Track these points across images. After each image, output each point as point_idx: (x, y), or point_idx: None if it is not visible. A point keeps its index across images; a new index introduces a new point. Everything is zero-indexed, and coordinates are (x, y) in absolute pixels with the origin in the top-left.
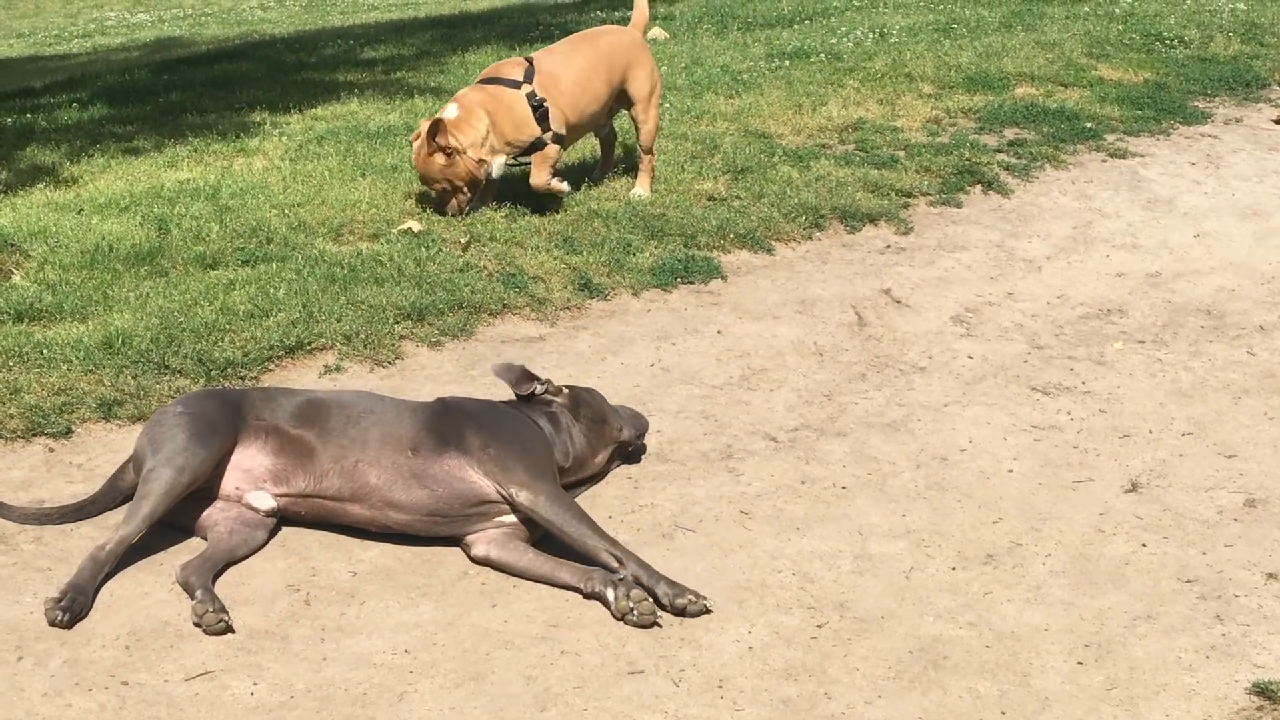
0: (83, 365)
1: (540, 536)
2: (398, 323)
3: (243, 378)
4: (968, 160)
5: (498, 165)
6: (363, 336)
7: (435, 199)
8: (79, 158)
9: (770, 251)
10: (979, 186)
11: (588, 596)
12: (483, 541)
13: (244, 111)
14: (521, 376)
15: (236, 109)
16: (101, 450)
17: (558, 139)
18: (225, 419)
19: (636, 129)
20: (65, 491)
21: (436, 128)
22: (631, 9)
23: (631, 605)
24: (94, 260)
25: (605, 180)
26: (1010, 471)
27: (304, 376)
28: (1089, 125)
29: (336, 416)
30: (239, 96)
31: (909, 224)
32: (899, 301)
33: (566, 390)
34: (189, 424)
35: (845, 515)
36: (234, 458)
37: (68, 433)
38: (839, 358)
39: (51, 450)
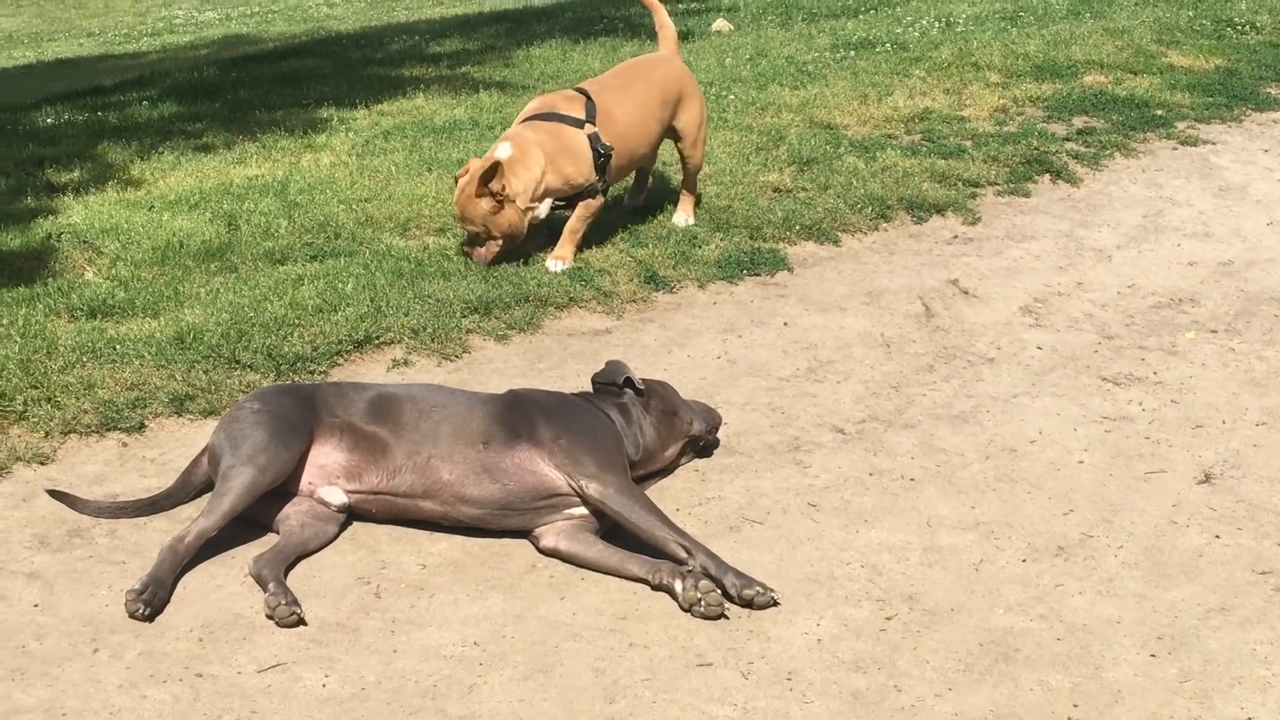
0: (155, 361)
1: (609, 528)
2: (464, 316)
3: (312, 372)
4: (1036, 149)
5: (545, 208)
6: (430, 330)
7: (465, 239)
8: (149, 155)
9: (836, 243)
10: (1047, 176)
11: (656, 588)
12: (552, 533)
13: (311, 108)
14: (624, 370)
15: (304, 105)
16: (174, 445)
17: (606, 188)
18: (302, 416)
19: (683, 163)
20: (138, 485)
21: (493, 172)
22: None
23: (699, 596)
24: (165, 257)
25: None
26: (1081, 463)
27: (372, 371)
28: (1159, 113)
29: (408, 411)
30: (306, 93)
31: (976, 214)
32: (967, 292)
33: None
34: (269, 422)
35: (914, 507)
36: (309, 454)
37: (140, 427)
38: (906, 349)
39: (125, 445)
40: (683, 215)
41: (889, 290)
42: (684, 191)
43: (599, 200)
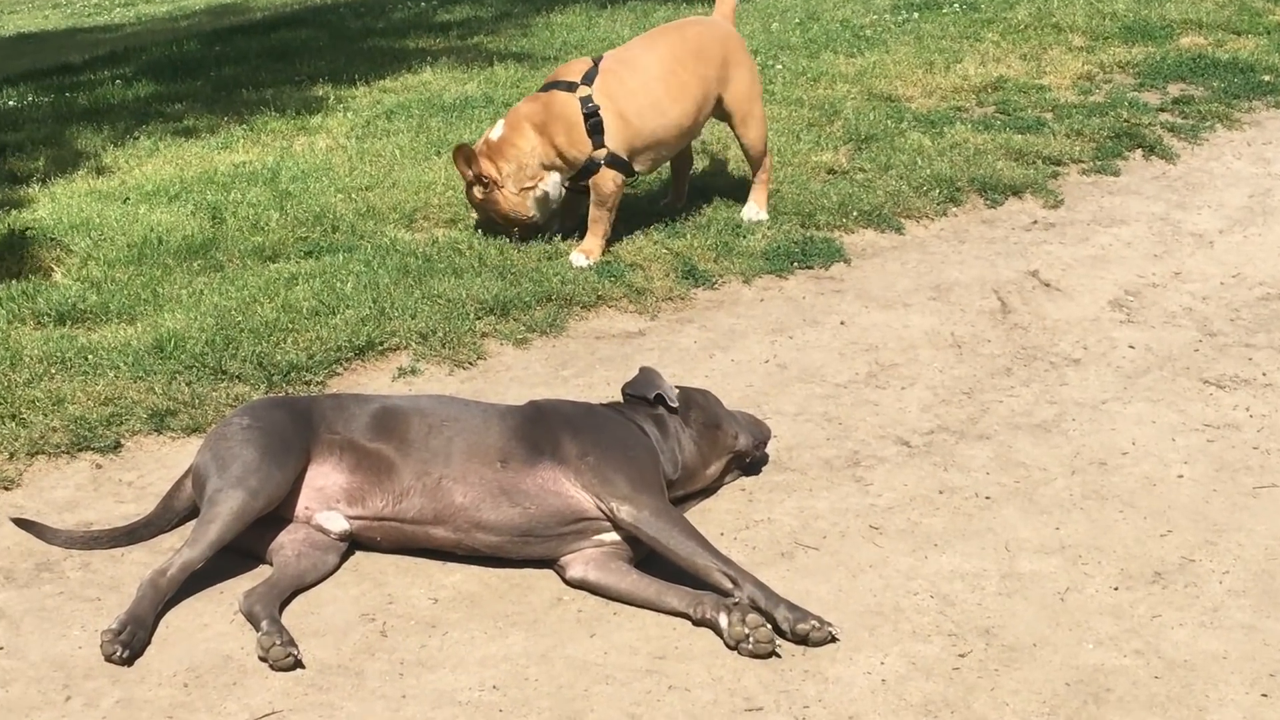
0: (131, 372)
1: (644, 556)
2: (479, 318)
3: (308, 383)
4: (1126, 122)
5: (553, 185)
6: (440, 334)
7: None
8: (124, 141)
9: (899, 230)
10: (1139, 151)
11: (698, 623)
12: (580, 562)
13: (305, 85)
14: (658, 382)
15: (297, 82)
16: (154, 466)
17: (615, 162)
18: (298, 433)
19: (741, 144)
20: (115, 512)
21: (468, 156)
22: None
23: (747, 632)
24: (142, 254)
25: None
26: (1180, 477)
27: (376, 380)
28: (1267, 78)
29: (416, 426)
30: (299, 68)
31: (1059, 196)
32: (1048, 284)
33: (675, 392)
34: (260, 440)
35: (990, 529)
36: (306, 475)
37: (116, 447)
38: (980, 350)
39: (99, 467)
40: (753, 207)
41: (959, 283)
42: (755, 178)
43: (610, 179)
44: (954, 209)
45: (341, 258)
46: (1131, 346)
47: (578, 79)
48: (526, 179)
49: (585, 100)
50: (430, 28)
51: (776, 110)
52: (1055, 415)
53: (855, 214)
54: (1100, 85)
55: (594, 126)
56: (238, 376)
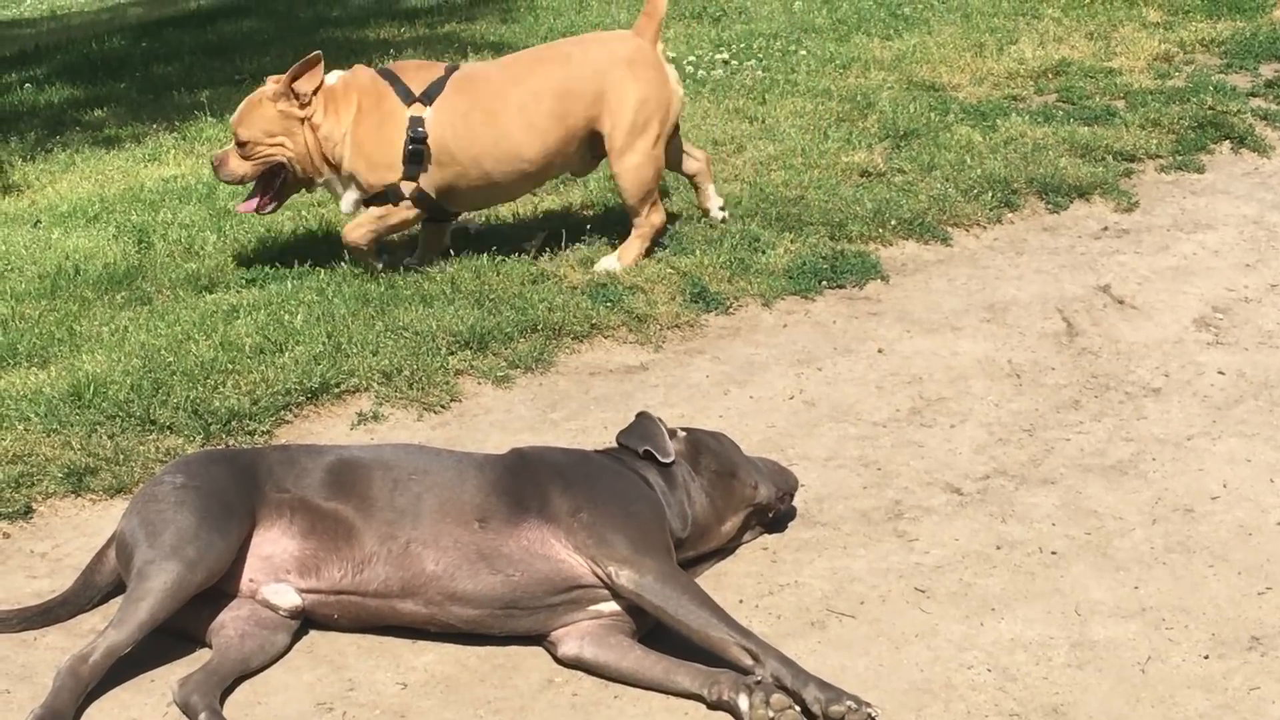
0: (44, 424)
1: (649, 629)
2: (452, 354)
3: (251, 433)
4: (1210, 110)
5: (348, 201)
6: (407, 374)
7: (219, 160)
8: (34, 154)
9: (946, 241)
10: (1227, 144)
11: (713, 706)
12: (574, 638)
13: (247, 85)
14: (654, 433)
15: (238, 82)
16: (71, 533)
17: (421, 199)
18: (241, 493)
19: (616, 186)
20: (25, 589)
21: (311, 69)
22: None
23: (772, 715)
24: (55, 286)
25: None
26: None
27: (332, 429)
28: None
29: (379, 481)
30: (241, 65)
31: (1133, 197)
32: (1122, 302)
33: (683, 434)
34: (197, 501)
35: (1057, 590)
36: (251, 542)
37: (26, 512)
38: (1043, 380)
39: (6, 536)
40: (610, 260)
41: (1017, 302)
42: (633, 227)
43: (399, 214)
44: (1010, 215)
45: (290, 285)
46: (1221, 372)
47: (418, 90)
48: (327, 153)
49: (415, 123)
50: (394, 15)
51: (800, 103)
52: (1132, 455)
53: (894, 223)
54: (1180, 67)
55: (413, 155)
56: (169, 427)
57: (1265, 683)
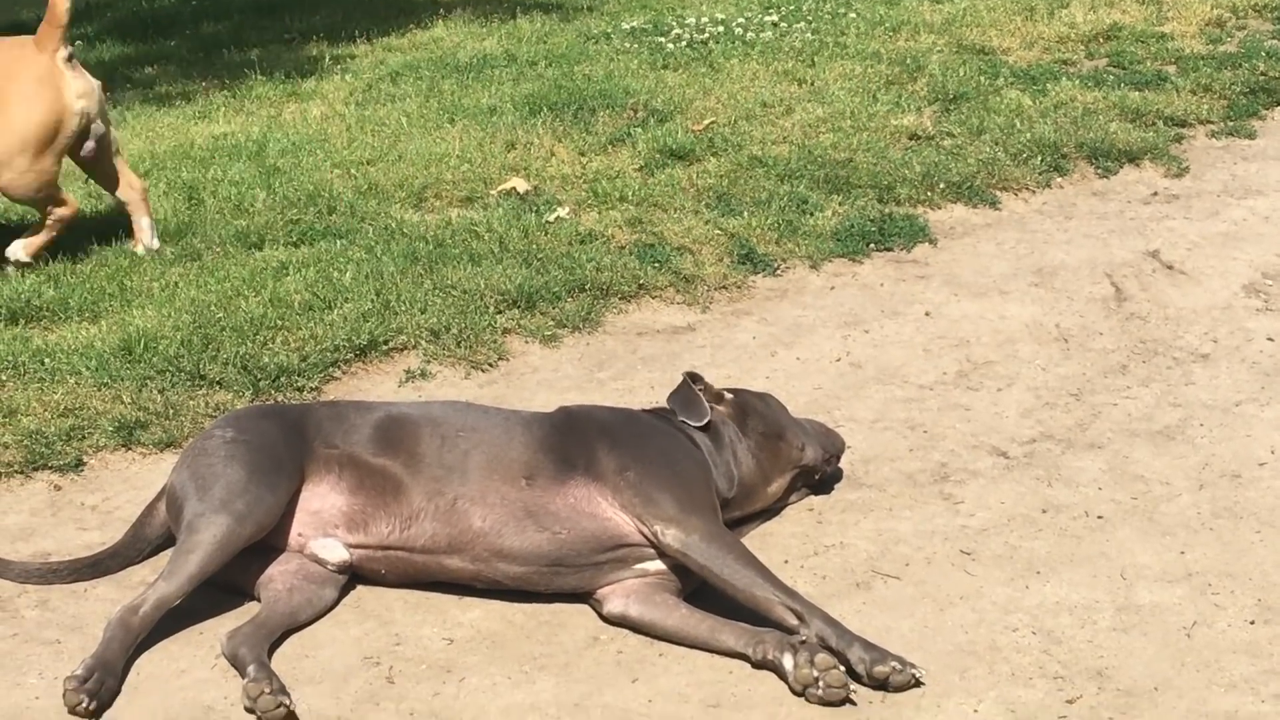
0: (95, 378)
1: (695, 588)
2: (500, 313)
3: (300, 389)
4: (1263, 75)
5: None
6: (455, 332)
7: None
8: None
9: (994, 205)
10: (1279, 110)
11: (758, 665)
12: (619, 596)
13: (297, 44)
14: (688, 397)
15: (287, 41)
16: (121, 487)
17: None
18: (289, 448)
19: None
20: (76, 541)
21: None
22: None
23: (816, 675)
24: (107, 242)
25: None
26: None
27: (380, 385)
28: None
29: (428, 438)
30: (290, 25)
31: (1184, 163)
32: (1171, 267)
33: (730, 396)
34: (246, 456)
35: (1103, 554)
36: (299, 497)
37: (78, 465)
38: (1090, 344)
39: (58, 488)
40: (15, 246)
41: (1066, 267)
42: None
43: None
44: (1059, 179)
45: (339, 244)
46: (1270, 339)
47: None
48: None
49: None
50: None
51: (849, 66)
52: (1180, 420)
53: (942, 186)
54: (1233, 32)
55: None
56: (219, 382)
57: None
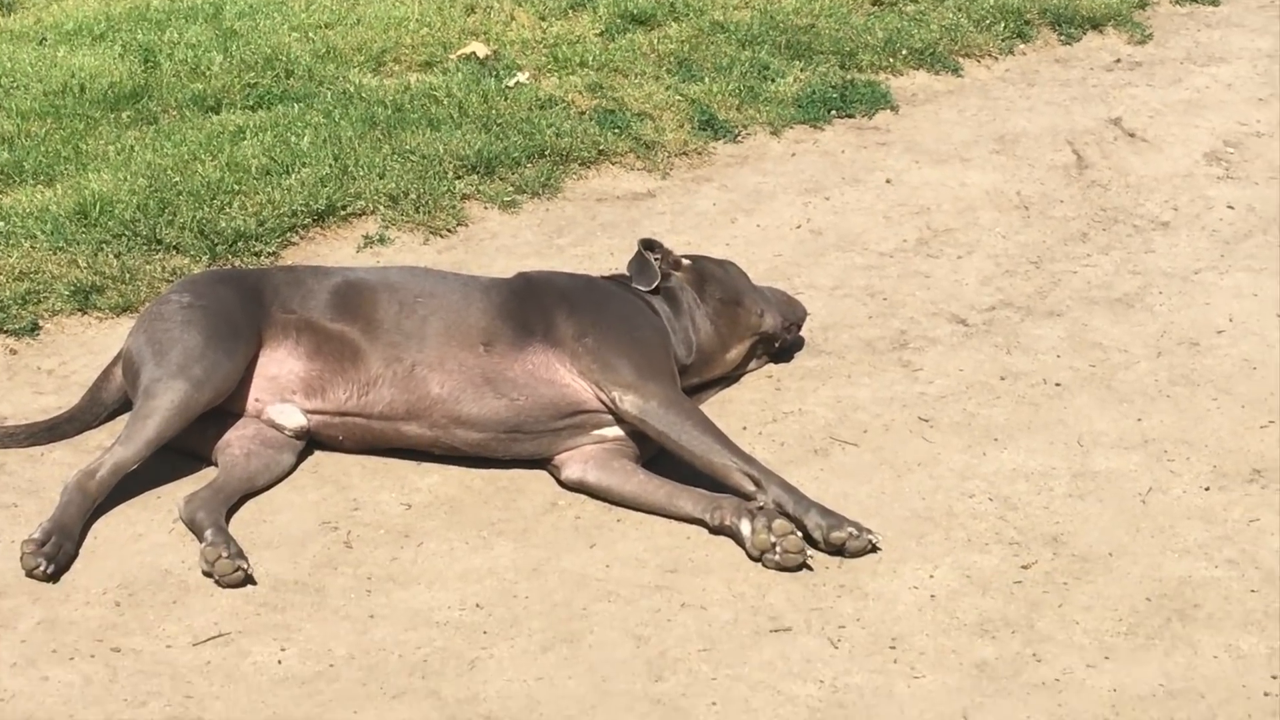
0: (50, 242)
1: (653, 455)
2: (459, 178)
3: (257, 254)
4: None
5: None
6: (413, 197)
7: None
8: None
9: (957, 72)
10: None
11: (715, 530)
12: (577, 461)
13: None
14: (639, 263)
15: None
16: (77, 351)
17: None
18: (247, 313)
19: None
20: (32, 405)
21: None
22: None
23: (774, 540)
24: (61, 104)
25: None
26: None
27: (338, 251)
28: None
29: (386, 304)
30: None
31: (1147, 30)
32: (1133, 135)
33: (689, 263)
34: (204, 320)
35: (1060, 421)
36: (257, 362)
37: (33, 329)
38: (1051, 212)
39: (13, 352)
40: None
41: (1028, 134)
42: None
43: None
44: (1022, 46)
45: (297, 108)
46: (1230, 206)
47: None
48: None
49: None
50: None
51: None
52: (1139, 288)
53: (904, 53)
54: None
55: None
56: (175, 246)
57: (1265, 515)
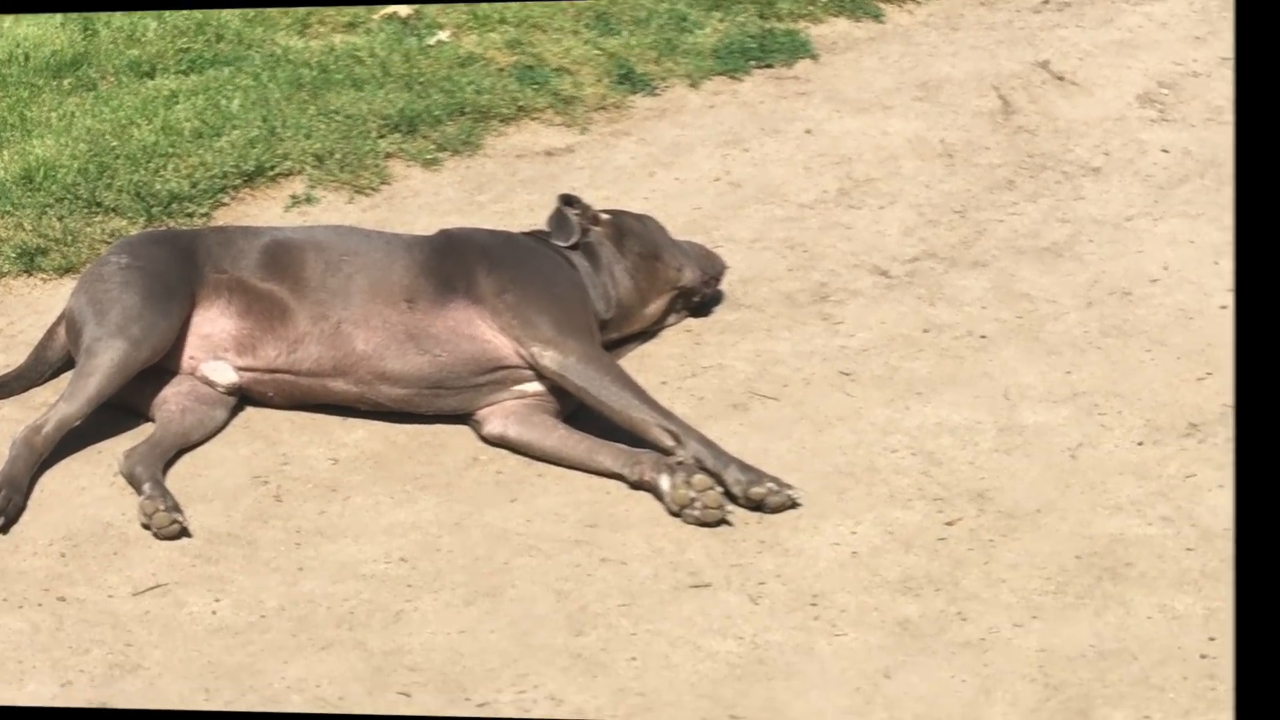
0: None
1: (573, 410)
2: (382, 137)
3: (191, 214)
4: None
5: None
6: (339, 156)
7: None
8: None
9: (878, 18)
10: None
11: (635, 486)
12: (498, 417)
13: None
14: (557, 219)
15: None
16: (24, 311)
17: None
18: (182, 273)
19: None
20: None
21: None
22: None
23: (693, 496)
24: (7, 73)
25: None
26: (1223, 308)
27: (267, 211)
28: None
29: (313, 262)
30: None
31: None
32: (1061, 78)
33: (608, 217)
34: (141, 281)
35: (986, 374)
36: (191, 321)
37: None
38: (976, 159)
39: None
40: None
41: (952, 80)
42: None
43: None
44: None
45: (227, 71)
46: (1165, 150)
47: None
48: None
49: None
50: None
51: None
52: (1068, 236)
53: (824, 0)
54: None
55: None
56: (113, 209)
57: (1201, 469)
